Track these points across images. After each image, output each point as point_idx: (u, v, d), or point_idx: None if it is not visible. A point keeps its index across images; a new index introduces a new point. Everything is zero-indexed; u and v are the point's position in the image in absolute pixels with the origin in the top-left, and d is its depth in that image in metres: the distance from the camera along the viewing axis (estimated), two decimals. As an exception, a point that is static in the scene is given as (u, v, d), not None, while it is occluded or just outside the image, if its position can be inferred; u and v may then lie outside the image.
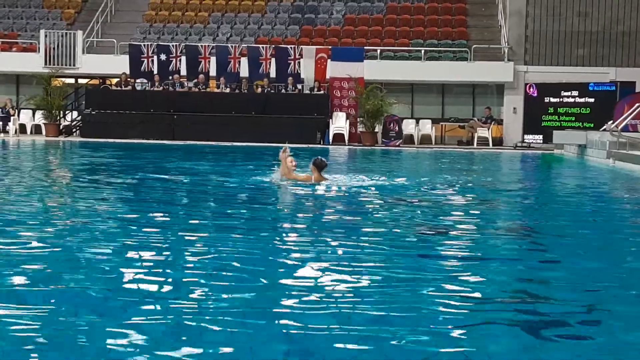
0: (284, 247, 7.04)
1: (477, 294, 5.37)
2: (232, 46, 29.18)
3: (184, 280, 5.52)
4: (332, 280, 5.58)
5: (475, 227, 8.58)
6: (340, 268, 5.96)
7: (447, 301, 5.04)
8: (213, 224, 8.53)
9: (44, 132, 29.12)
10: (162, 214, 8.92)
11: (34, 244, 6.81)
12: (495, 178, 16.79)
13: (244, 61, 28.59)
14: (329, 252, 6.69)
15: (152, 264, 6.11)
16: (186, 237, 7.31)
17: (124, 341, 4.10)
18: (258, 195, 11.32)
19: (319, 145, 26.25)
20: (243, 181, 12.75)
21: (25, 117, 30.29)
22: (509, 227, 9.03)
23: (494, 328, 4.58)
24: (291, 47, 28.86)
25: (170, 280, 5.55)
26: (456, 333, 4.40)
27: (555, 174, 19.40)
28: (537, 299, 5.28)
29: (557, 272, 6.30)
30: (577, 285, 5.77)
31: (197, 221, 8.50)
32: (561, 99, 27.62)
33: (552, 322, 4.72)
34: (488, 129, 28.64)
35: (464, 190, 12.70)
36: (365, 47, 29.85)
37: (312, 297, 5.05)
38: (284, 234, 7.79)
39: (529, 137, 28.11)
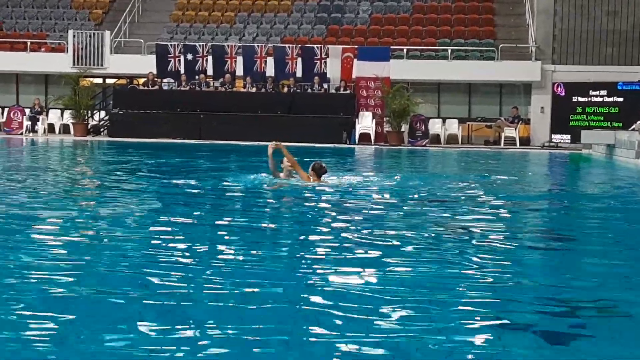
0: (312, 252, 7.02)
1: (506, 298, 5.32)
2: (258, 46, 29.22)
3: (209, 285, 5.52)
4: (362, 285, 5.56)
5: (504, 228, 8.51)
6: (367, 271, 5.93)
7: (473, 306, 5.00)
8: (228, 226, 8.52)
9: (72, 131, 29.34)
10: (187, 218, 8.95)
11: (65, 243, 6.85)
12: (523, 178, 16.66)
13: (270, 61, 28.63)
14: (352, 256, 6.66)
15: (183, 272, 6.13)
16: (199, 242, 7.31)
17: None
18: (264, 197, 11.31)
19: (345, 145, 26.22)
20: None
21: (53, 116, 30.55)
22: (538, 228, 8.94)
23: (523, 333, 4.53)
24: (317, 47, 28.85)
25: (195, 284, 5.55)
26: (482, 338, 4.37)
27: (584, 174, 19.23)
28: (568, 303, 5.22)
29: (588, 276, 6.23)
30: (608, 287, 5.70)
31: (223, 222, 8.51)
32: (589, 99, 27.37)
33: (583, 327, 4.66)
34: (515, 129, 28.45)
35: (491, 191, 12.60)
36: (391, 47, 29.77)
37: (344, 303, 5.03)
38: (307, 238, 7.77)
39: (556, 137, 27.88)
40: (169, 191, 11.71)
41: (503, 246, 7.38)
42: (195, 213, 9.12)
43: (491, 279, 5.82)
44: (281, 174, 11.67)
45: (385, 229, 8.15)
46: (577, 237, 8.30)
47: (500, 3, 33.11)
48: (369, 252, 6.71)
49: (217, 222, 8.50)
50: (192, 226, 8.16)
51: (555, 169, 20.57)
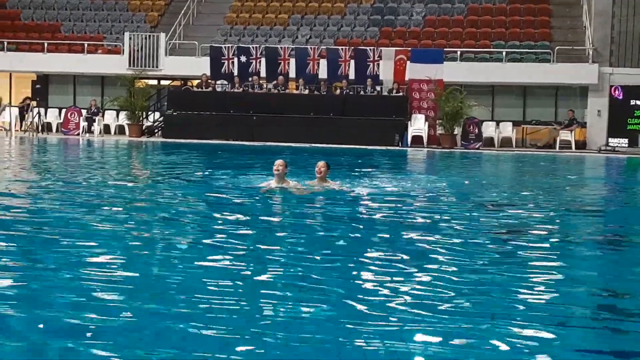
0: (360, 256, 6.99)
1: (557, 300, 5.23)
2: (311, 48, 29.27)
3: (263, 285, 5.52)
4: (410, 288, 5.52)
5: (557, 232, 8.38)
6: (419, 271, 5.89)
7: (524, 307, 4.92)
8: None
9: (127, 132, 29.74)
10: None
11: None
12: (579, 182, 16.40)
13: (323, 63, 28.65)
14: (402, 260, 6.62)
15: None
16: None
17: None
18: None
19: (397, 148, 26.12)
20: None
21: (109, 117, 31.00)
22: (592, 233, 8.79)
23: (575, 335, 4.45)
24: (370, 49, 28.78)
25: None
26: (533, 341, 4.29)
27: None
28: (619, 313, 5.11)
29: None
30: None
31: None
32: (648, 102, 26.85)
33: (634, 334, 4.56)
34: (571, 132, 28.02)
35: (544, 194, 12.44)
36: (445, 49, 29.57)
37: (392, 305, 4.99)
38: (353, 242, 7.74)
39: (613, 141, 27.39)
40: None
41: (561, 249, 7.27)
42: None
43: (548, 278, 5.73)
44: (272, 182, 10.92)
45: (440, 230, 8.08)
46: (634, 241, 8.14)
47: (557, 5, 32.65)
48: (426, 252, 6.66)
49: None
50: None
51: (611, 173, 20.20)
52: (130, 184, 12.86)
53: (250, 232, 7.76)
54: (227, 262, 6.18)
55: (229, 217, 8.74)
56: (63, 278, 5.48)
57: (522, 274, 5.98)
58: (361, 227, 8.38)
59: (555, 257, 6.94)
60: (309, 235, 7.72)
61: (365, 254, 6.70)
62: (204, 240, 7.28)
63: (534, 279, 5.84)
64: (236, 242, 7.15)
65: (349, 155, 21.03)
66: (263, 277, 5.66)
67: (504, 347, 4.15)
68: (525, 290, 5.43)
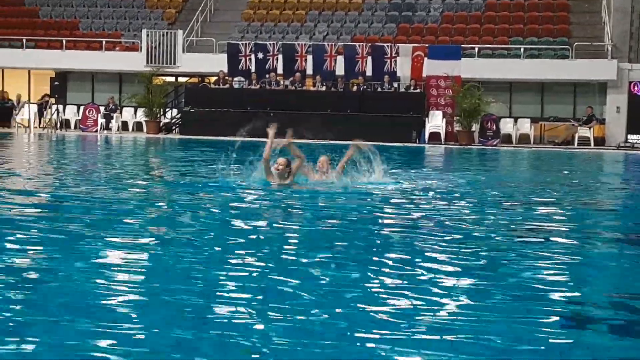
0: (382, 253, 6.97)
1: (577, 302, 5.20)
2: (328, 44, 29.26)
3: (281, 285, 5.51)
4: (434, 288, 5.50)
5: (575, 230, 8.33)
6: (438, 270, 5.87)
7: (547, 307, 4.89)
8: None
9: (144, 129, 29.86)
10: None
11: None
12: (597, 179, 16.30)
13: (340, 59, 28.63)
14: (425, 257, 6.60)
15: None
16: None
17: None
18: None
19: (414, 144, 26.07)
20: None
21: (127, 114, 31.14)
22: (611, 231, 8.73)
23: (594, 337, 4.42)
24: (387, 46, 28.74)
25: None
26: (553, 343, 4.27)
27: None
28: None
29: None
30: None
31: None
32: (668, 98, 26.67)
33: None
34: (590, 129, 27.86)
35: (562, 191, 12.37)
36: (462, 45, 29.47)
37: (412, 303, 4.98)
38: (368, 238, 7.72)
39: (632, 137, 27.23)
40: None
41: (581, 249, 7.23)
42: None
43: (566, 277, 5.70)
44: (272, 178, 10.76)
45: (456, 228, 8.05)
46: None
47: (575, 0, 32.44)
48: (443, 252, 6.63)
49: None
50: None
51: (630, 170, 20.06)
52: (146, 182, 12.90)
53: (254, 233, 7.69)
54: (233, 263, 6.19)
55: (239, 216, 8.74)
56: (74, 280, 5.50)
57: (539, 272, 5.94)
58: (370, 225, 8.36)
59: (573, 255, 6.89)
60: (316, 233, 7.71)
61: (376, 253, 6.68)
62: (200, 240, 7.29)
63: (552, 278, 5.80)
64: (240, 242, 7.15)
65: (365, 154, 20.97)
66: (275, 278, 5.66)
67: (519, 346, 4.13)
68: (543, 286, 5.40)
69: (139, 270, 5.81)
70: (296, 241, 7.19)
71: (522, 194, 11.89)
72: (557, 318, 4.66)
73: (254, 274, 5.67)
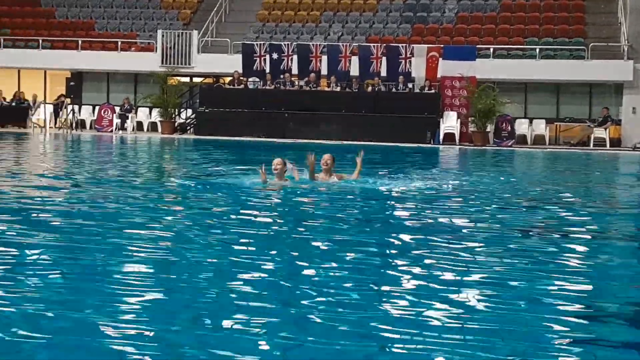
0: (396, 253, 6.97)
1: (591, 303, 5.18)
2: (343, 45, 29.26)
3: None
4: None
5: (592, 231, 8.30)
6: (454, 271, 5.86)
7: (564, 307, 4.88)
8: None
9: (159, 129, 29.94)
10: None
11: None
12: (613, 180, 16.23)
13: (355, 60, 28.62)
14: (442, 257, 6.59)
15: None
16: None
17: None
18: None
19: (429, 145, 26.02)
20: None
21: (142, 114, 31.24)
22: (626, 231, 8.69)
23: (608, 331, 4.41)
24: (402, 46, 28.70)
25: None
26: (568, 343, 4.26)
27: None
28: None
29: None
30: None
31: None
32: (684, 99, 26.49)
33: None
34: (605, 130, 27.72)
35: (577, 192, 12.32)
36: (477, 46, 29.40)
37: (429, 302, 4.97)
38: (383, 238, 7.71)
39: (648, 139, 27.06)
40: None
41: (596, 249, 7.20)
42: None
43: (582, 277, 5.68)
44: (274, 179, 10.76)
45: (469, 228, 8.04)
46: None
47: (591, 1, 32.29)
48: (459, 252, 6.62)
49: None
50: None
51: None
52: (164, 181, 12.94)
53: (257, 231, 7.68)
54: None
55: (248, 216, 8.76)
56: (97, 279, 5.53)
57: (556, 274, 5.92)
58: (378, 225, 8.36)
59: (590, 256, 6.87)
60: (319, 234, 7.70)
61: (386, 253, 6.68)
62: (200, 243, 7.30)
63: (568, 279, 5.79)
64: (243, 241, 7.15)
65: (381, 153, 21.00)
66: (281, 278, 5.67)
67: (535, 345, 4.12)
68: (558, 287, 5.38)
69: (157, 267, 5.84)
70: (310, 242, 7.20)
71: (536, 193, 11.85)
72: (572, 314, 4.64)
73: (269, 275, 5.69)
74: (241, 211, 8.98)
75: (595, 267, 6.38)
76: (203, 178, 13.32)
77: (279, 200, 10.02)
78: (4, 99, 31.57)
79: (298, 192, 10.45)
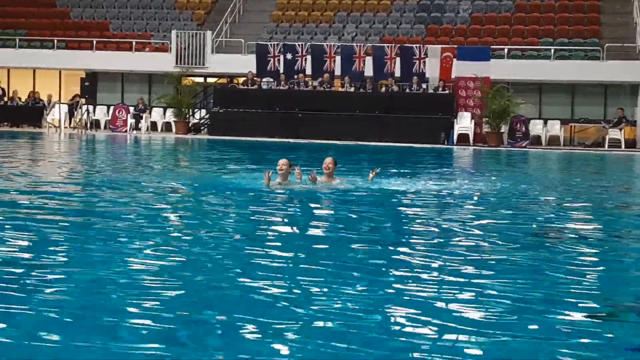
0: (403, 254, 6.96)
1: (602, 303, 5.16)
2: (357, 45, 29.24)
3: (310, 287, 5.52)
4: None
5: (604, 232, 8.26)
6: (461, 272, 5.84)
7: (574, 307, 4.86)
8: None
9: (173, 129, 30.01)
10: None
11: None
12: (627, 181, 16.14)
13: (369, 60, 28.60)
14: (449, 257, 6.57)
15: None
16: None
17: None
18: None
19: (443, 146, 25.97)
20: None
21: (156, 115, 31.31)
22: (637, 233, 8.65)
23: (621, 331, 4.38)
24: (416, 47, 28.66)
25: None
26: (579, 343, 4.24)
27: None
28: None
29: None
30: None
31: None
32: (700, 100, 26.33)
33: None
34: (620, 131, 27.58)
35: (590, 194, 12.26)
36: (492, 46, 29.32)
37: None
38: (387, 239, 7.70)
39: (664, 140, 26.91)
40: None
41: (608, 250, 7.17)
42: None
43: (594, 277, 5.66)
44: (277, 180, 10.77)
45: (477, 232, 8.02)
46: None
47: (606, 1, 32.16)
48: (465, 254, 6.60)
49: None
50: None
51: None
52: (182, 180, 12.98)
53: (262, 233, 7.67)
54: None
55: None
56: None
57: (568, 275, 5.90)
58: (383, 226, 8.35)
59: (602, 257, 6.84)
60: (321, 238, 7.69)
61: (394, 254, 6.67)
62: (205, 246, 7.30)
63: (580, 280, 5.76)
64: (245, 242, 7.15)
65: (394, 153, 20.97)
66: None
67: (548, 344, 4.11)
68: (571, 285, 5.36)
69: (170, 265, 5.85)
70: (319, 243, 7.20)
71: (548, 195, 11.80)
72: (586, 317, 4.62)
73: (280, 274, 5.69)
74: (246, 211, 9.00)
75: (609, 267, 6.36)
76: (215, 177, 13.34)
77: (283, 200, 10.00)
78: (19, 98, 31.75)
79: (302, 193, 10.43)
